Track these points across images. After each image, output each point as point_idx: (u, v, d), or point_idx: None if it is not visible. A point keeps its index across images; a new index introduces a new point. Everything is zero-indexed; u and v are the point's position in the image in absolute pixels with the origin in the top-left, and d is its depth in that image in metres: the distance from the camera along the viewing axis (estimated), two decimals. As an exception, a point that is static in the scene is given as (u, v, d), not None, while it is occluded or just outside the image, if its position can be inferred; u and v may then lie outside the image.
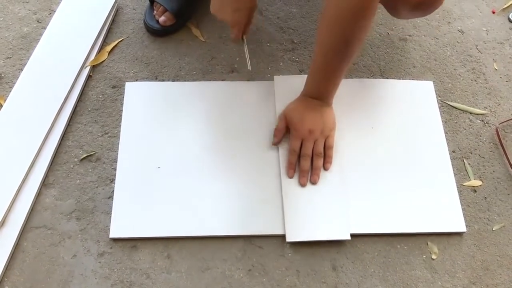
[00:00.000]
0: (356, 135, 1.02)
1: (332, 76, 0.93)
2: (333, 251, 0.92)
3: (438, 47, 1.15)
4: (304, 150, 0.96)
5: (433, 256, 0.92)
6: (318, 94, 0.96)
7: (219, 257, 0.90)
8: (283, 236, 0.92)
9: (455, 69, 1.13)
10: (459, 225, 0.94)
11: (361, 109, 1.05)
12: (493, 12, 1.19)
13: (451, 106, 1.06)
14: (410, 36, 1.17)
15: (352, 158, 0.99)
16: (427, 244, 0.93)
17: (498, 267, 0.91)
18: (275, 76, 1.07)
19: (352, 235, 0.92)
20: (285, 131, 0.99)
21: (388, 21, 1.19)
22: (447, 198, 0.96)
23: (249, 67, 1.02)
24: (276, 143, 0.99)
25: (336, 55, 0.88)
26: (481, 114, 1.07)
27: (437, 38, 1.16)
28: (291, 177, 0.95)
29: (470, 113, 1.07)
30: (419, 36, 1.17)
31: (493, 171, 1.01)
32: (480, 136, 1.05)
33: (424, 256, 0.92)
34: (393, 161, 0.99)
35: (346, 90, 1.06)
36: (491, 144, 1.04)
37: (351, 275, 0.90)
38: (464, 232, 0.93)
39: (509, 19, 1.20)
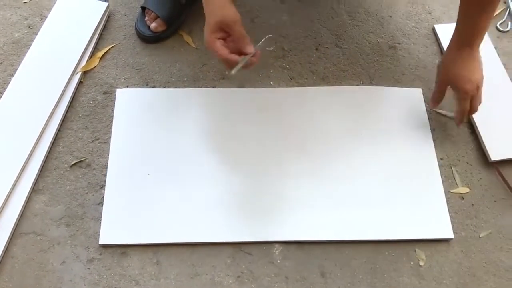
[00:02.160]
0: (345, 141, 1.02)
1: (487, 15, 0.90)
2: (322, 257, 0.92)
3: (427, 55, 1.16)
4: (473, 110, 0.97)
5: (421, 263, 0.93)
6: (473, 39, 0.92)
7: (208, 263, 0.91)
8: (272, 243, 0.92)
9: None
10: (446, 232, 0.95)
11: (350, 116, 1.06)
12: (482, 21, 1.21)
13: (440, 113, 1.07)
14: (399, 44, 1.18)
15: (341, 164, 1.00)
16: (415, 251, 0.94)
17: (485, 274, 0.92)
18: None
19: (340, 242, 0.93)
20: (445, 92, 0.99)
21: (378, 29, 1.20)
22: (435, 205, 0.97)
23: (232, 72, 0.87)
24: (435, 107, 1.01)
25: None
26: (466, 122, 1.08)
27: (426, 46, 1.18)
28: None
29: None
30: (409, 44, 1.18)
31: (480, 178, 1.02)
32: (468, 144, 1.06)
33: (411, 263, 0.93)
34: (382, 168, 1.00)
35: (336, 97, 1.08)
36: (478, 151, 1.05)
37: (340, 281, 0.90)
38: (452, 239, 0.94)
39: (497, 27, 1.21)
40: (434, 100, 1.03)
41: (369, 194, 0.97)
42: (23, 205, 0.93)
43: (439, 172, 1.00)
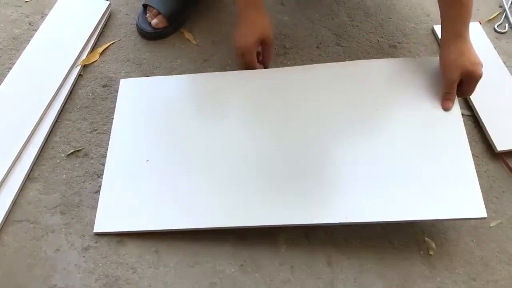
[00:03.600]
0: (361, 117, 0.96)
1: (468, 8, 0.95)
2: (328, 246, 0.89)
3: (428, 53, 1.17)
4: (470, 93, 0.98)
5: (431, 252, 0.89)
6: (462, 31, 0.95)
7: (210, 252, 0.87)
8: (277, 231, 0.89)
9: (444, 74, 1.14)
10: (479, 211, 0.85)
11: (369, 90, 0.99)
12: (480, 23, 1.22)
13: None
14: (399, 43, 1.19)
15: (359, 142, 0.93)
16: (424, 240, 0.90)
17: (498, 263, 0.89)
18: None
19: (349, 229, 0.89)
20: None
21: (378, 29, 1.21)
22: (465, 183, 0.88)
23: None
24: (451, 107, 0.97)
25: None
26: (471, 116, 1.07)
27: (426, 45, 1.18)
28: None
29: (462, 114, 1.07)
30: (409, 43, 1.19)
31: (487, 170, 1.00)
32: (473, 136, 1.04)
33: (421, 252, 0.89)
34: (405, 145, 0.92)
35: (349, 73, 1.02)
36: (484, 144, 1.03)
37: (347, 271, 0.86)
38: (485, 218, 0.85)
39: (494, 29, 1.23)
40: (451, 100, 0.96)
41: (392, 173, 0.88)
42: (16, 192, 0.90)
43: (469, 147, 0.91)
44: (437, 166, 0.89)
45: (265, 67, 1.06)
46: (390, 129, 0.94)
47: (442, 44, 0.99)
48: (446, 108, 0.96)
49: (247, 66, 1.04)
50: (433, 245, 0.90)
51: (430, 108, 0.96)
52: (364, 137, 0.93)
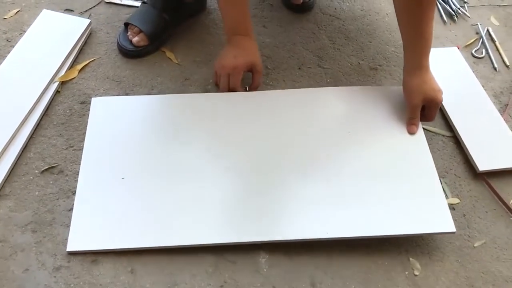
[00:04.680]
0: (336, 140, 0.99)
1: (428, 40, 1.00)
2: (311, 266, 0.86)
3: (408, 76, 1.18)
4: (432, 118, 1.02)
5: (416, 272, 0.87)
6: (423, 62, 1.00)
7: (188, 272, 0.83)
8: (258, 251, 0.86)
9: (425, 97, 1.15)
10: (447, 226, 0.88)
11: (345, 115, 1.04)
12: (458, 48, 1.25)
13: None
14: (380, 66, 1.20)
15: (333, 162, 0.96)
16: (409, 260, 0.88)
17: (483, 284, 0.87)
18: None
19: (331, 248, 0.87)
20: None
21: (359, 52, 1.22)
22: (433, 199, 0.91)
23: None
24: (416, 131, 1.01)
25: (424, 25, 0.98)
26: (452, 137, 1.08)
27: (406, 69, 1.20)
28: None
29: (443, 135, 1.08)
30: (389, 66, 1.20)
31: (470, 190, 0.99)
32: (454, 157, 1.04)
33: (406, 272, 0.87)
34: (375, 165, 0.96)
35: (329, 97, 1.07)
36: (465, 164, 1.03)
37: (331, 291, 0.84)
38: (454, 232, 0.88)
39: (472, 54, 1.25)
40: (415, 124, 1.01)
41: (364, 191, 0.92)
42: (-15, 210, 0.85)
43: (434, 167, 0.96)
44: (407, 185, 0.93)
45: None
46: (362, 151, 0.99)
47: (405, 73, 1.04)
48: (411, 132, 1.01)
49: (230, 87, 1.03)
50: (418, 265, 0.88)
51: (398, 133, 1.02)
52: (338, 158, 0.97)
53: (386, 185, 0.93)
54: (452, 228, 0.88)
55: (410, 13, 0.98)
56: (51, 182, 0.91)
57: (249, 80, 1.07)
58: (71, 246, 0.83)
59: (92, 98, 1.02)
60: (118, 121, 0.99)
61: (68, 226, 0.85)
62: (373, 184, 0.93)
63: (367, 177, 0.94)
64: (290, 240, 0.86)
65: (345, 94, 1.07)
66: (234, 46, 1.03)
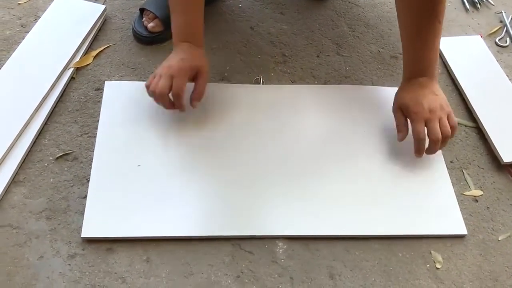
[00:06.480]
0: (350, 139, 0.98)
1: (431, 45, 0.92)
2: (330, 258, 0.84)
3: (429, 65, 1.15)
4: (433, 135, 0.88)
5: (438, 266, 0.85)
6: (423, 70, 0.93)
7: (205, 262, 0.81)
8: (275, 241, 0.84)
9: (446, 86, 1.12)
10: (459, 228, 0.88)
11: (354, 114, 1.02)
12: (481, 36, 1.21)
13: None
14: (400, 54, 1.14)
15: (348, 161, 0.95)
16: (430, 253, 0.86)
17: (508, 278, 0.84)
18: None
19: (349, 240, 0.85)
20: (406, 122, 0.94)
21: (379, 40, 1.19)
22: (445, 201, 0.91)
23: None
24: (402, 138, 0.93)
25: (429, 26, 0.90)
26: (475, 127, 1.04)
27: (427, 57, 1.16)
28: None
29: (465, 125, 1.05)
30: (410, 54, 1.17)
31: (493, 182, 0.96)
32: (478, 148, 1.01)
33: (428, 265, 0.84)
34: (388, 164, 0.95)
35: (338, 95, 1.05)
36: (489, 156, 1.00)
37: (350, 284, 0.81)
38: (465, 235, 0.88)
39: (496, 43, 1.21)
40: (400, 132, 0.94)
41: (377, 191, 0.91)
42: (-1, 196, 0.84)
43: (446, 169, 0.95)
44: (419, 186, 0.93)
45: (192, 103, 0.93)
46: (377, 153, 0.97)
47: (404, 73, 0.98)
48: (398, 140, 0.94)
49: (173, 90, 0.89)
50: (440, 258, 0.85)
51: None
52: (357, 157, 0.96)
53: (399, 186, 0.92)
54: (464, 231, 0.88)
55: (410, 15, 0.94)
56: (66, 169, 0.90)
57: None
58: (86, 232, 0.82)
59: (106, 82, 1.01)
60: (132, 106, 0.97)
61: (82, 213, 0.84)
62: (388, 185, 0.92)
63: (381, 178, 0.93)
64: (307, 235, 0.85)
65: (361, 93, 1.06)
66: (181, 52, 0.93)
